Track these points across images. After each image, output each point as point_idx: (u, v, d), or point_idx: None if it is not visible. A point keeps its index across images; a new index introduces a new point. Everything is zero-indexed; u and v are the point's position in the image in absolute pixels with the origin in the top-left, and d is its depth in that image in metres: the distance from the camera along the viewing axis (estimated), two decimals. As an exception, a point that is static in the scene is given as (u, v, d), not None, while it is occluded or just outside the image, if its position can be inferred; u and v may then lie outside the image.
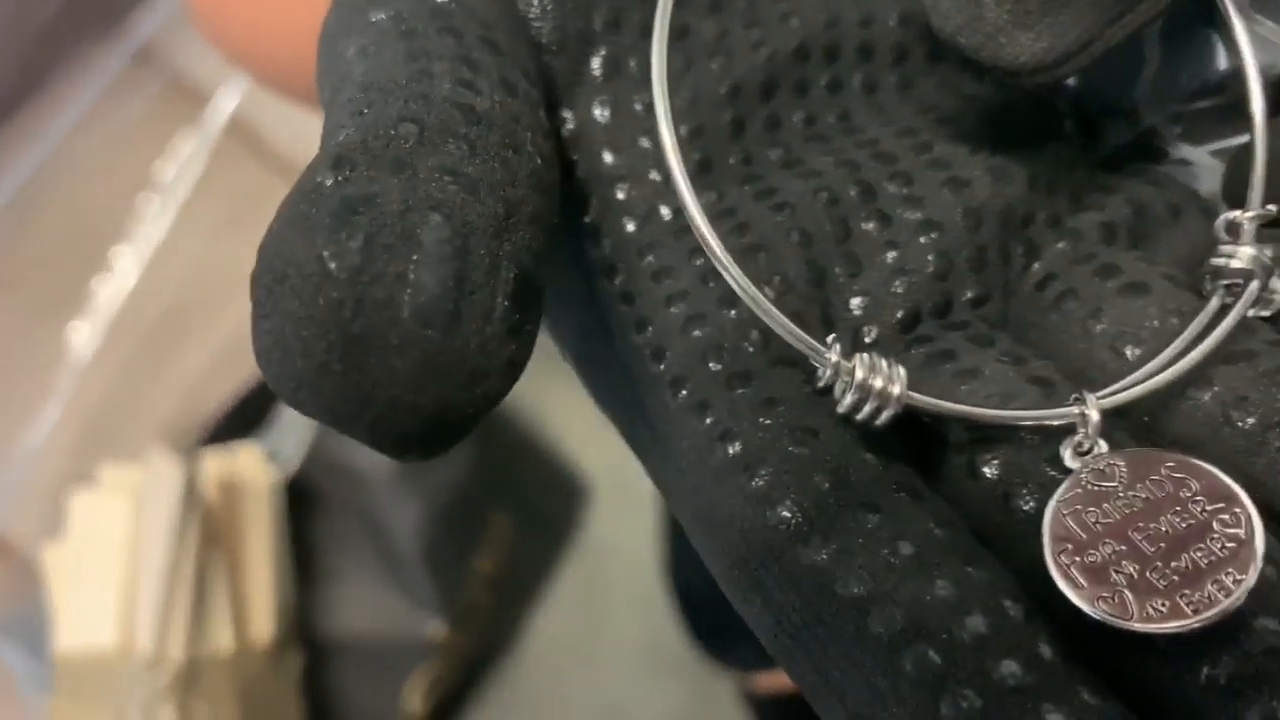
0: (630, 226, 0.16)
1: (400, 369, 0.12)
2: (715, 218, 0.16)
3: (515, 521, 0.85)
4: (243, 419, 0.74)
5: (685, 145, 0.16)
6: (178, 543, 0.60)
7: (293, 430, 0.75)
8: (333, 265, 0.12)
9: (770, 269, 0.16)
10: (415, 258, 0.12)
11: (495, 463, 0.82)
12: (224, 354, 0.76)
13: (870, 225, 0.16)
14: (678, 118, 0.16)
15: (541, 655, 0.86)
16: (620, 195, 0.16)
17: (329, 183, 0.12)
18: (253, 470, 0.69)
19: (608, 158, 0.16)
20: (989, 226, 0.16)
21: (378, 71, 0.14)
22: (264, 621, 0.64)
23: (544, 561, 0.90)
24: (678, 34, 0.17)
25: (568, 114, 0.16)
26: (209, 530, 0.64)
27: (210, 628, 0.61)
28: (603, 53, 0.16)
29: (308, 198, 0.12)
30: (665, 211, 0.16)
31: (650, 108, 0.16)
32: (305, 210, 0.12)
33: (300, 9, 0.27)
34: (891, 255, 0.16)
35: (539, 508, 0.89)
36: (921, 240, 0.16)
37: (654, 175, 0.16)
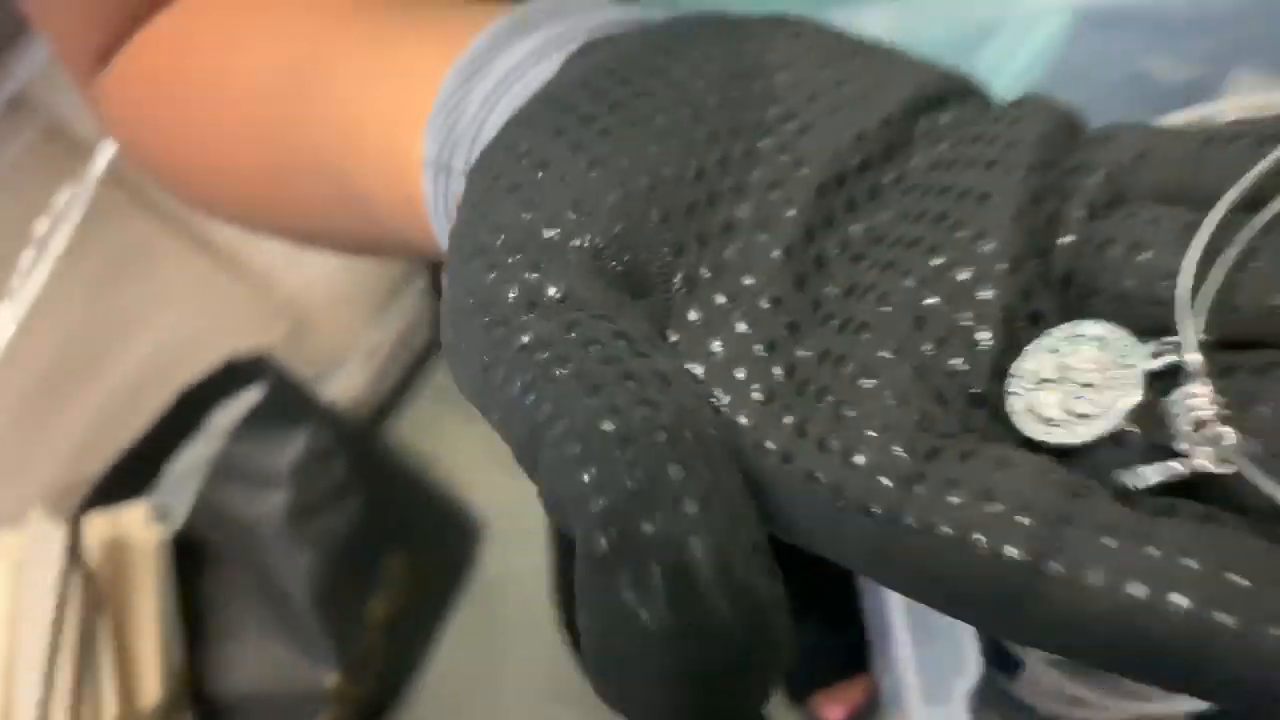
0: (747, 422, 0.16)
1: (723, 694, 0.14)
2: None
3: (409, 563, 0.85)
4: (128, 477, 0.74)
5: (751, 338, 0.16)
6: (60, 614, 0.60)
7: (181, 485, 0.75)
8: (655, 628, 0.13)
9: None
10: (702, 592, 0.13)
11: (387, 504, 0.83)
12: (107, 411, 0.75)
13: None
14: (743, 305, 0.17)
15: (441, 690, 0.87)
16: (722, 398, 0.16)
17: (602, 547, 0.13)
18: (138, 529, 0.69)
19: (698, 369, 0.16)
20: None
21: (564, 412, 0.14)
22: (151, 684, 0.64)
23: (439, 601, 0.91)
24: (723, 227, 0.17)
25: (675, 337, 0.17)
26: (93, 595, 0.64)
27: (95, 696, 0.61)
28: (680, 273, 0.17)
29: (592, 571, 0.14)
30: (758, 395, 0.16)
31: (725, 306, 0.17)
32: (612, 593, 0.13)
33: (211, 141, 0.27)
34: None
35: (432, 548, 0.90)
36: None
37: (739, 373, 0.16)
